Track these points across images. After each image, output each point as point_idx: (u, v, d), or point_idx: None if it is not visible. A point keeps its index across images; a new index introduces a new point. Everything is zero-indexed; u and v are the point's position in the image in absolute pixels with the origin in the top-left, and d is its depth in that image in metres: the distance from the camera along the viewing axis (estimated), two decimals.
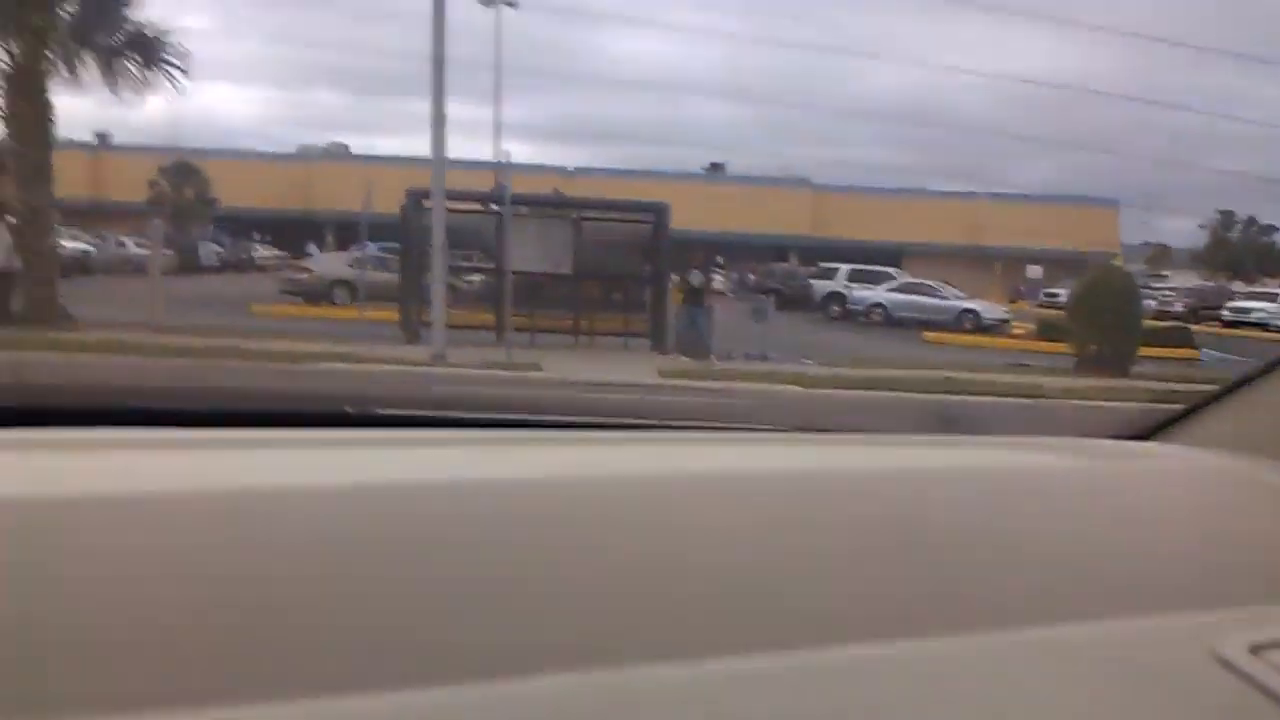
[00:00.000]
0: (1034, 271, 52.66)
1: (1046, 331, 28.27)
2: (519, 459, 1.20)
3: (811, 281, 40.53)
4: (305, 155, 62.26)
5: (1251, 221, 60.70)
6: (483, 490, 1.01)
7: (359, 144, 68.46)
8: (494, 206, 22.45)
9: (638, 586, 0.90)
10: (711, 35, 71.55)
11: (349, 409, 1.45)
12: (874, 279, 38.50)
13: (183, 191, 55.10)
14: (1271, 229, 59.89)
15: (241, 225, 55.63)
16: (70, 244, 33.47)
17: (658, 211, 22.77)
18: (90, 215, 50.08)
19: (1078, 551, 1.08)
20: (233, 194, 54.27)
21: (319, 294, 30.26)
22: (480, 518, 0.95)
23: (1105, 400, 16.76)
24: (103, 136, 54.41)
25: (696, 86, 71.76)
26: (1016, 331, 33.19)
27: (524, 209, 22.52)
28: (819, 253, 49.15)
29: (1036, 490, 1.27)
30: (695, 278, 21.98)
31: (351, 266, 29.39)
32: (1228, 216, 60.31)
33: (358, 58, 63.60)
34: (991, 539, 1.09)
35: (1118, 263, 41.72)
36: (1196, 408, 1.57)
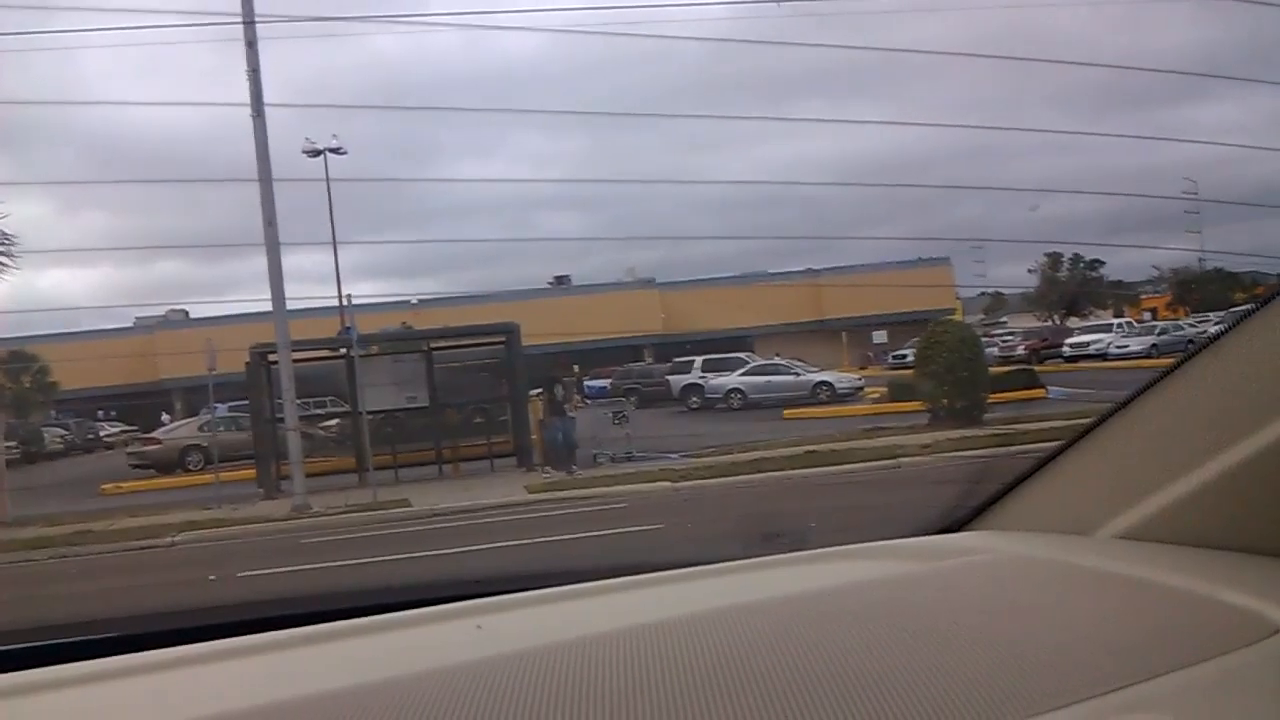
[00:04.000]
0: (878, 336, 54.06)
1: (898, 393, 28.98)
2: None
3: (668, 377, 41.01)
4: (144, 326, 60.86)
5: (1078, 259, 63.25)
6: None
7: (204, 308, 67.14)
8: (343, 350, 22.32)
9: None
10: (548, 155, 72.37)
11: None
12: (728, 366, 39.03)
13: (20, 381, 53.29)
14: (1098, 263, 62.48)
15: (86, 405, 53.99)
16: None
17: (508, 332, 22.89)
18: None
19: (900, 667, 1.08)
20: (74, 376, 52.57)
21: (171, 463, 29.62)
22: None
23: (960, 450, 17.38)
24: None
25: (538, 202, 72.44)
26: (870, 396, 33.98)
27: (374, 348, 22.47)
28: (673, 348, 49.82)
29: (856, 609, 1.28)
30: (558, 390, 22.09)
31: (202, 430, 28.86)
32: (1055, 258, 62.77)
33: (192, 223, 62.60)
34: (817, 666, 1.08)
35: (957, 316, 43.23)
36: (1008, 489, 1.64)
